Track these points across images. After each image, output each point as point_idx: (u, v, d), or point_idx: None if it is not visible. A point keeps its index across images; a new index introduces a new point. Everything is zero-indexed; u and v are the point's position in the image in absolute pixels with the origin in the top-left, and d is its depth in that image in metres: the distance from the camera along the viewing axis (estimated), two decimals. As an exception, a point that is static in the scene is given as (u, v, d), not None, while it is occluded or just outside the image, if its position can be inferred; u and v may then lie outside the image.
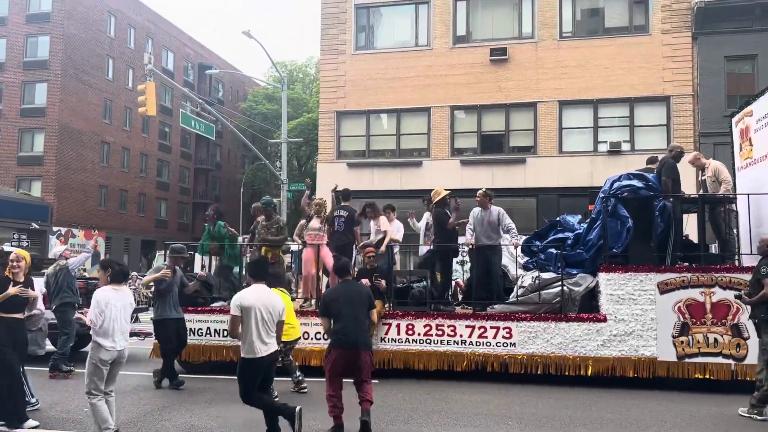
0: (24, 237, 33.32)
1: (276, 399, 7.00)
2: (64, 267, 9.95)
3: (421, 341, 9.31)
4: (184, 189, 49.56)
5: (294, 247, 12.01)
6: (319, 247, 10.16)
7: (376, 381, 9.03)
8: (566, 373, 8.88)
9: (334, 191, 11.39)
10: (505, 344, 9.11)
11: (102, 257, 36.61)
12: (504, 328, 9.14)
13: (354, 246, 10.60)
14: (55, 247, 10.37)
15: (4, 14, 37.49)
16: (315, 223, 10.36)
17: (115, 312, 5.86)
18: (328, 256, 10.10)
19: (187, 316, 9.60)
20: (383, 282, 9.33)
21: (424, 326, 9.29)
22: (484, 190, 10.15)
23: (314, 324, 9.61)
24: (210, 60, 51.64)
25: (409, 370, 9.26)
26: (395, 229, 11.10)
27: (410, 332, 9.31)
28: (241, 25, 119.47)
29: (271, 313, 5.92)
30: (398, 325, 9.42)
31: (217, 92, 53.03)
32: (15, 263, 6.73)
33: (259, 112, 48.02)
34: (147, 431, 6.45)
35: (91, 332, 5.83)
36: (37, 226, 34.03)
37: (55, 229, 35.48)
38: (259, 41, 25.07)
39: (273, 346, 5.93)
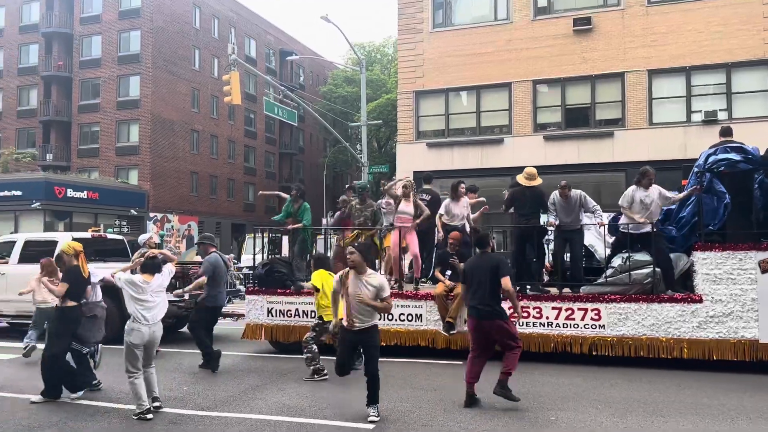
0: (124, 223, 35.57)
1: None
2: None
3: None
4: (269, 173, 51.05)
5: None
6: (401, 229, 10.20)
7: (460, 362, 9.09)
8: (659, 356, 8.57)
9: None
10: (593, 326, 8.88)
11: (195, 241, 38.49)
12: (592, 310, 8.90)
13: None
14: (141, 236, 10.84)
15: (98, 12, 39.62)
16: (406, 206, 10.34)
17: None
18: (413, 241, 10.14)
19: (276, 298, 9.95)
20: (461, 264, 9.31)
21: (509, 308, 9.15)
22: (563, 182, 9.79)
23: (398, 306, 9.72)
24: (291, 46, 52.59)
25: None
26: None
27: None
28: (320, 9, 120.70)
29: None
30: (482, 307, 9.36)
31: (298, 77, 54.01)
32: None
33: (339, 96, 48.55)
34: (242, 409, 6.77)
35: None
36: (136, 213, 36.14)
37: (151, 215, 37.53)
38: (337, 25, 25.27)
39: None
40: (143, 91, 38.37)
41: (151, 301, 6.54)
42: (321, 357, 8.30)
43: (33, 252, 12.02)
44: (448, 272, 9.55)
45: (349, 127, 39.00)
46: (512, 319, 7.15)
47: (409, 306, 9.71)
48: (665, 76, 20.31)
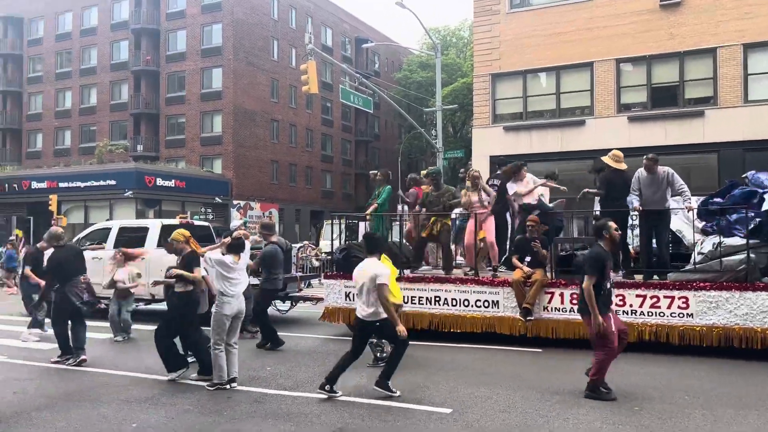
0: (209, 210, 37.03)
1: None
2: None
3: (587, 310, 8.94)
4: (346, 161, 51.71)
5: (453, 215, 11.96)
6: (476, 216, 10.10)
7: (540, 350, 8.95)
8: (754, 347, 8.10)
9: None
10: (680, 315, 8.49)
11: (276, 228, 39.60)
12: (680, 298, 8.51)
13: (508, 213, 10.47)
14: (234, 221, 11.25)
15: (183, 7, 41.17)
16: (473, 196, 10.24)
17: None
18: (488, 228, 10.02)
19: (353, 283, 10.05)
20: (543, 250, 9.15)
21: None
22: (651, 155, 9.36)
23: (473, 292, 9.66)
24: (366, 33, 52.83)
25: (573, 341, 8.99)
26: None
27: (575, 302, 8.98)
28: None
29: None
30: (561, 294, 9.15)
31: (373, 64, 54.24)
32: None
33: (414, 81, 48.41)
34: (321, 390, 6.96)
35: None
36: (221, 201, 37.55)
37: (235, 202, 38.88)
38: (412, 10, 25.14)
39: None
40: (225, 83, 39.65)
41: (237, 278, 7.07)
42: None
43: (126, 238, 12.74)
44: (527, 259, 9.39)
45: (424, 112, 38.85)
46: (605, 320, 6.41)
47: (485, 292, 9.63)
48: (762, 50, 19.02)
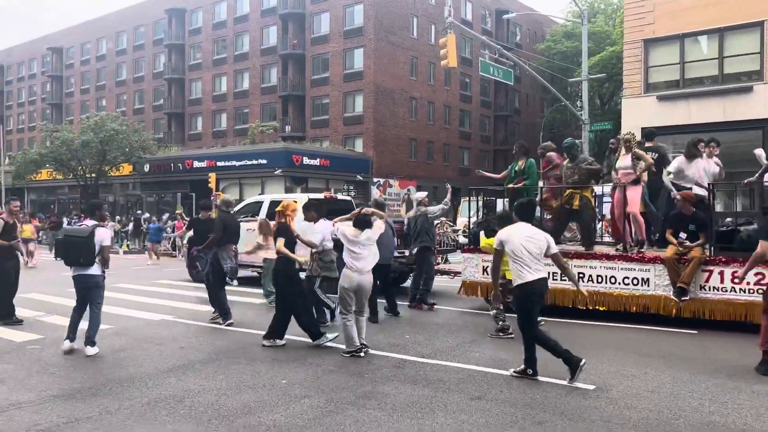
0: (351, 187, 38.29)
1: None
2: (423, 213, 10.70)
3: (750, 291, 8.16)
4: (484, 137, 50.96)
5: (598, 189, 11.36)
6: (626, 186, 9.51)
7: (694, 331, 8.35)
8: None
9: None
10: None
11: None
12: None
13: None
14: (415, 193, 11.23)
15: (326, -10, 42.51)
16: (625, 160, 9.64)
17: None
18: (632, 198, 9.41)
19: (491, 257, 9.95)
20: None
21: (755, 275, 8.09)
22: None
23: (621, 268, 9.17)
24: (506, 5, 51.30)
25: (732, 323, 8.26)
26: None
27: (736, 281, 8.22)
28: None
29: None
30: (721, 273, 8.42)
31: (514, 36, 52.69)
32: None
33: (558, 52, 46.39)
34: (459, 359, 7.00)
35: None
36: (361, 178, 38.66)
37: (375, 180, 39.83)
38: (556, -24, 24.00)
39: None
40: (366, 63, 40.51)
41: (359, 252, 7.16)
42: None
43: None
44: (682, 234, 8.74)
45: (568, 84, 37.16)
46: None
47: (634, 269, 9.10)
48: None
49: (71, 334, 7.55)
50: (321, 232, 8.78)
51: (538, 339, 6.10)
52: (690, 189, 9.24)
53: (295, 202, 8.75)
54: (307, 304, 8.10)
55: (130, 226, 29.38)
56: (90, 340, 7.40)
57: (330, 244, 8.94)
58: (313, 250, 8.79)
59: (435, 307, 10.57)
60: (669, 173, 9.81)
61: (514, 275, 6.10)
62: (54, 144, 38.86)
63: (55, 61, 60.12)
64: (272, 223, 8.72)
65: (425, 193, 11.50)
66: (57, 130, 40.43)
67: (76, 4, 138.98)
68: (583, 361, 5.92)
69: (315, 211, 9.06)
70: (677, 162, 9.78)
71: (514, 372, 6.25)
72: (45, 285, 13.99)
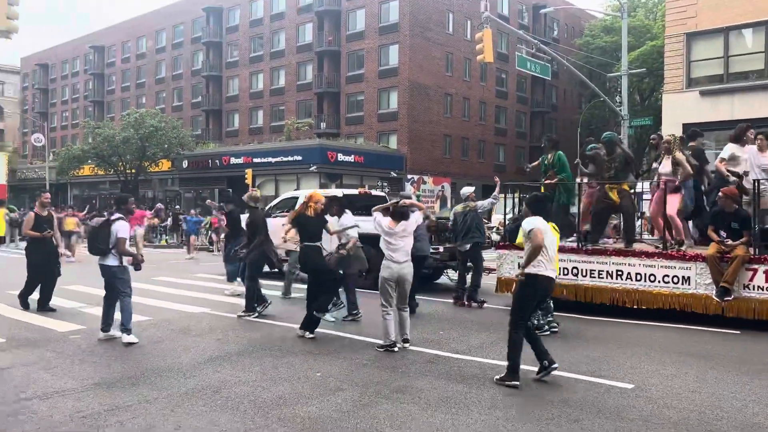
0: (385, 184, 38.31)
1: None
2: (473, 208, 10.61)
3: (798, 291, 7.90)
4: (520, 133, 50.39)
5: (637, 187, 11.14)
6: (666, 188, 9.29)
7: (737, 331, 8.13)
8: None
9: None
10: None
11: (448, 202, 39.97)
12: None
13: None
14: (464, 188, 11.14)
15: (362, -14, 42.54)
16: (666, 166, 9.42)
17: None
18: (671, 201, 9.19)
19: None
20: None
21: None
22: None
23: (661, 266, 8.97)
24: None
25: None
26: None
27: (783, 280, 7.97)
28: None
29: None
30: (766, 272, 8.17)
31: (551, 31, 51.91)
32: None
33: (597, 46, 45.54)
34: (494, 356, 6.93)
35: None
36: (395, 175, 38.66)
37: (408, 176, 39.78)
38: (595, -31, 23.57)
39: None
40: (401, 59, 40.43)
41: (395, 243, 7.18)
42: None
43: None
44: (723, 233, 8.50)
45: (607, 79, 36.50)
46: None
47: (674, 267, 8.89)
48: None
49: (103, 324, 7.83)
50: (343, 225, 8.90)
51: (527, 337, 5.96)
52: (742, 178, 8.99)
53: (320, 195, 8.83)
54: (330, 297, 8.11)
55: (169, 221, 29.93)
56: (124, 328, 7.59)
57: (354, 233, 8.97)
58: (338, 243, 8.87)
59: (484, 305, 10.34)
60: (723, 159, 9.51)
61: (532, 264, 5.82)
62: (96, 140, 39.84)
63: (97, 59, 61.56)
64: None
65: (473, 188, 11.39)
66: (99, 126, 41.40)
67: (116, 6, 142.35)
68: (556, 364, 5.90)
69: (338, 205, 9.11)
70: (729, 148, 9.54)
71: (497, 379, 5.90)
72: (88, 277, 14.34)
